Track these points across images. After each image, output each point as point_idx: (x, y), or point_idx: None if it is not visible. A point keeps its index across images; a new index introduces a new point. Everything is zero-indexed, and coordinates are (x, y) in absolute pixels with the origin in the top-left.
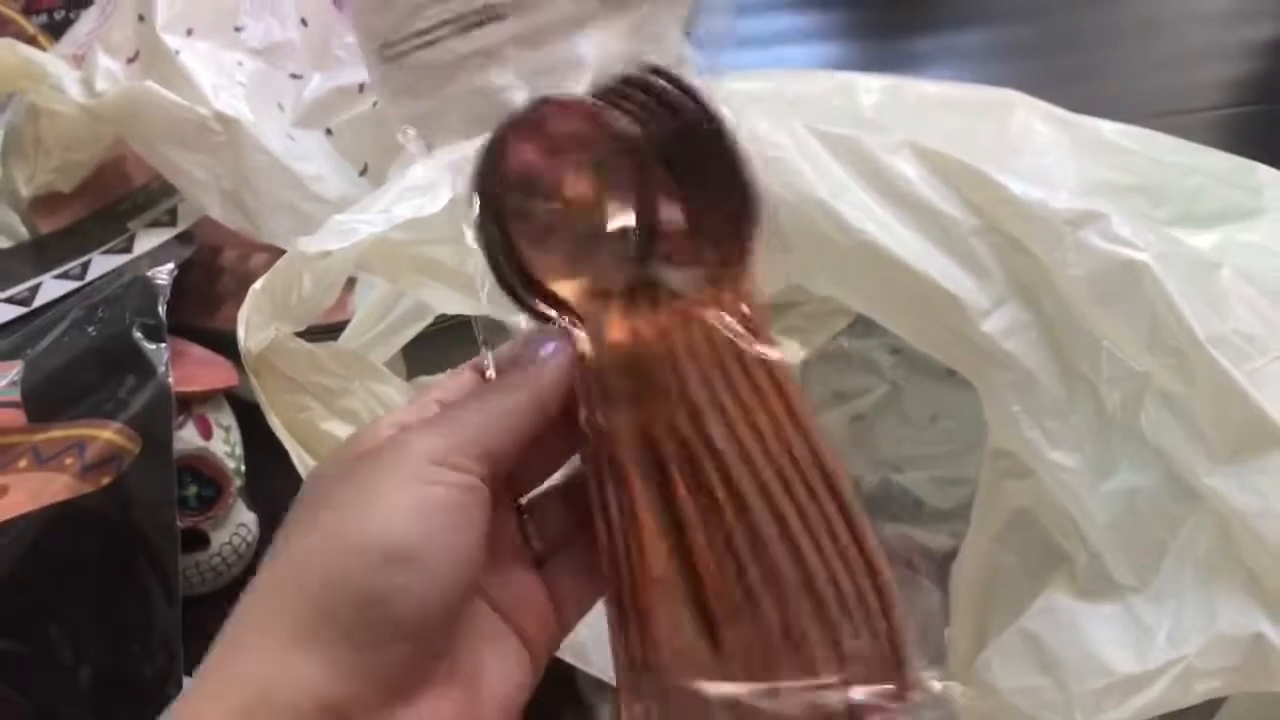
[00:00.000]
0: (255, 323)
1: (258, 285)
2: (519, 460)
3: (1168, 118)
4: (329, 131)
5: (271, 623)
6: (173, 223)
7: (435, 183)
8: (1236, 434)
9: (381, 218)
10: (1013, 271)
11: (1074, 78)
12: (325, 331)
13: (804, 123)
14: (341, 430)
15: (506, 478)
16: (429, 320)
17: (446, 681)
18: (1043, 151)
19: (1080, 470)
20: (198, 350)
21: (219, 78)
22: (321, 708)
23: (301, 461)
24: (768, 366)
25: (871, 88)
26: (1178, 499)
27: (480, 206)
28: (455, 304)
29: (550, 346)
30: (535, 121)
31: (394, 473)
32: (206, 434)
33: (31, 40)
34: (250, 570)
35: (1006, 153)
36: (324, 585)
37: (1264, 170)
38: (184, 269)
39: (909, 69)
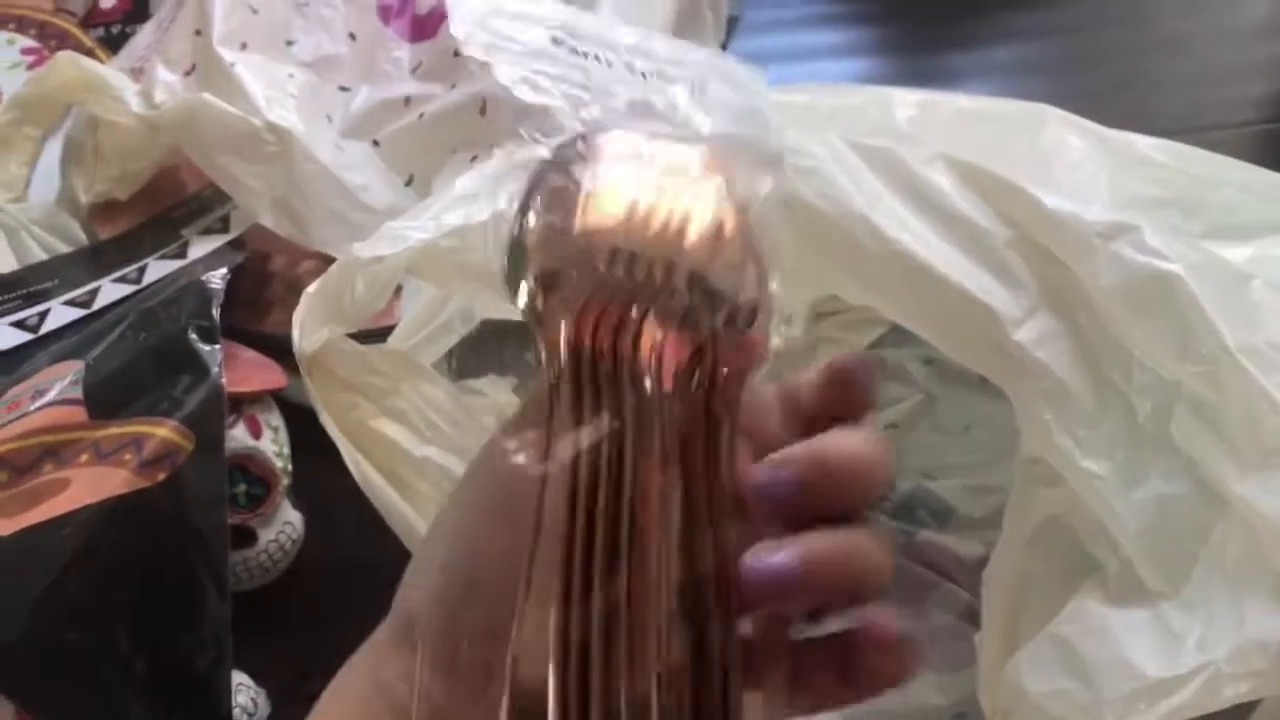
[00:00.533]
0: (309, 324)
1: (312, 288)
2: None
3: (1199, 134)
4: (376, 143)
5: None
6: (225, 229)
7: (481, 192)
8: (1266, 443)
9: (431, 225)
10: (1045, 282)
11: (1106, 93)
12: (373, 335)
13: (840, 135)
14: (390, 429)
15: None
16: (475, 324)
17: None
18: (1075, 165)
19: (1111, 478)
20: (248, 353)
21: (271, 90)
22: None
23: (352, 459)
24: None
25: (906, 101)
26: (1208, 507)
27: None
28: (502, 308)
29: None
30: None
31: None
32: (256, 433)
33: (89, 53)
34: (294, 567)
35: (1039, 166)
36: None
37: None
38: (235, 274)
39: (944, 84)
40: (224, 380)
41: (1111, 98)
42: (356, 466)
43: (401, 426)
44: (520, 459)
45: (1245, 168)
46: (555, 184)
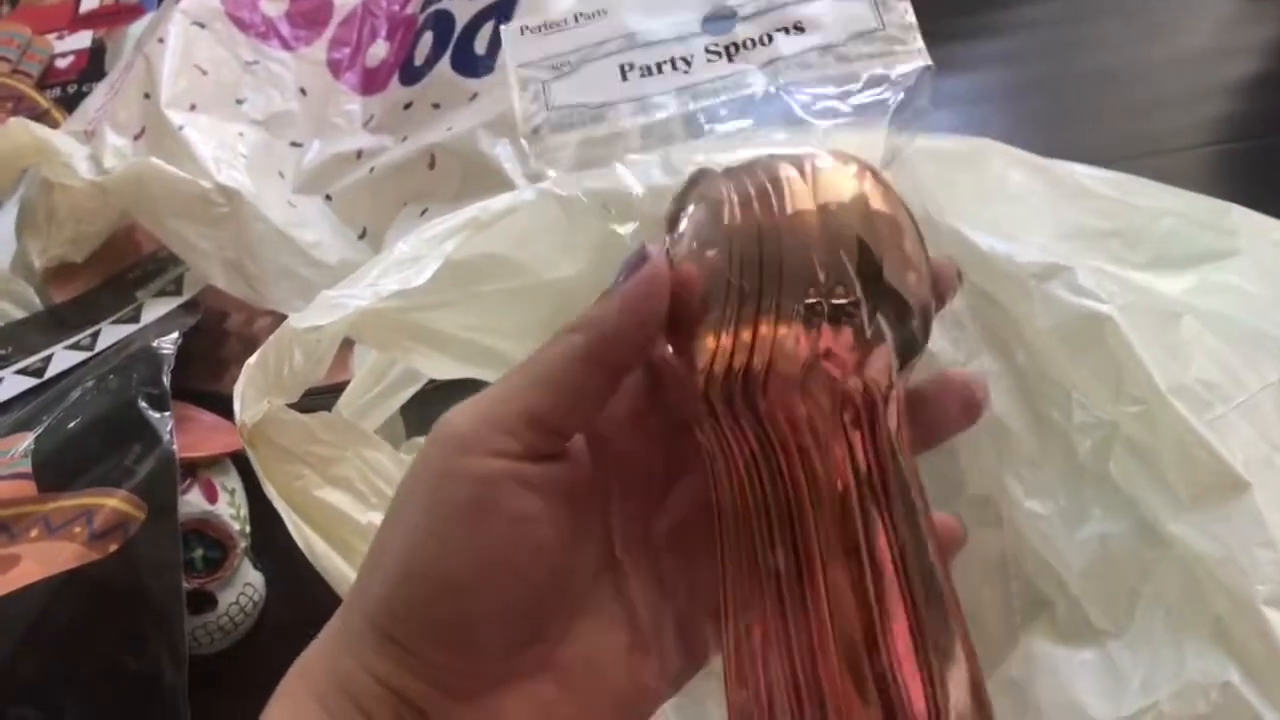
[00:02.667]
0: (250, 396)
1: (252, 360)
2: (602, 417)
3: (1146, 159)
4: (328, 197)
5: (349, 638)
6: (179, 291)
7: (421, 255)
8: (1198, 482)
9: (369, 291)
10: (986, 324)
11: (1058, 119)
12: (327, 392)
13: None
14: (335, 497)
15: (606, 443)
16: (423, 383)
17: (537, 676)
18: (1017, 199)
19: (1054, 518)
20: (205, 415)
21: (221, 150)
22: (399, 700)
23: (297, 529)
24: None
25: (850, 142)
26: (1149, 545)
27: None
28: (445, 369)
29: (630, 271)
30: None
31: (423, 480)
32: (212, 498)
33: (45, 114)
34: (257, 628)
35: (982, 202)
36: (387, 615)
37: (1237, 211)
38: (190, 334)
39: None
40: (176, 446)
41: (1058, 125)
42: (301, 536)
43: (346, 494)
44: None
45: (1186, 196)
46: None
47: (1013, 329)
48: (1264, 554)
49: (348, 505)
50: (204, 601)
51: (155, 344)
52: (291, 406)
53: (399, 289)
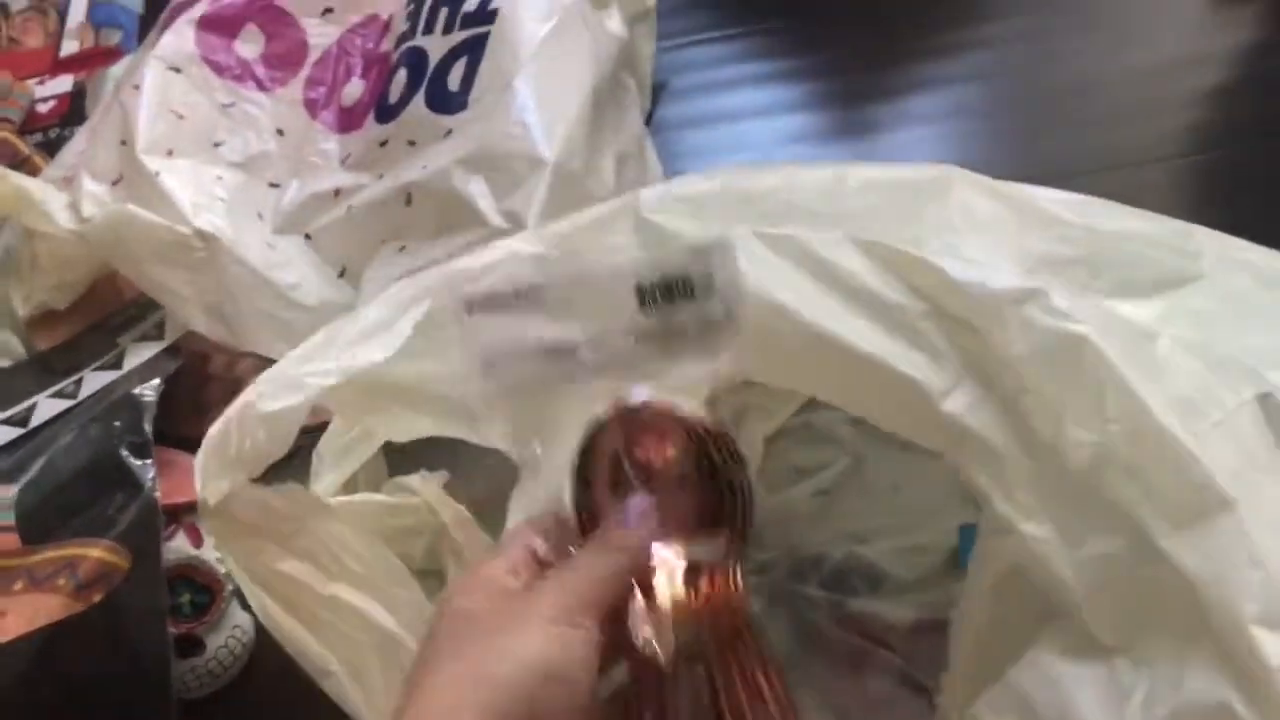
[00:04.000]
0: (211, 470)
1: (214, 430)
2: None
3: (1113, 171)
4: (308, 236)
5: None
6: (160, 336)
7: (392, 320)
8: (1186, 499)
9: (334, 367)
10: (964, 351)
11: (1022, 135)
12: (306, 432)
13: (750, 226)
14: (296, 569)
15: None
16: None
17: None
18: (983, 229)
19: (1053, 540)
20: (187, 460)
21: (198, 195)
22: None
23: (259, 604)
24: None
25: (815, 180)
26: (1150, 563)
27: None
28: (419, 428)
29: (636, 512)
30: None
31: (529, 619)
32: (197, 542)
33: (26, 161)
34: (247, 670)
35: (949, 232)
36: (480, 707)
37: (1200, 232)
38: (173, 377)
39: (865, 136)
40: (159, 493)
41: (1028, 140)
42: (264, 612)
43: (308, 565)
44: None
45: (1149, 218)
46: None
47: (992, 354)
48: (1252, 573)
49: (310, 577)
50: (192, 646)
51: (137, 391)
52: None
53: (366, 366)
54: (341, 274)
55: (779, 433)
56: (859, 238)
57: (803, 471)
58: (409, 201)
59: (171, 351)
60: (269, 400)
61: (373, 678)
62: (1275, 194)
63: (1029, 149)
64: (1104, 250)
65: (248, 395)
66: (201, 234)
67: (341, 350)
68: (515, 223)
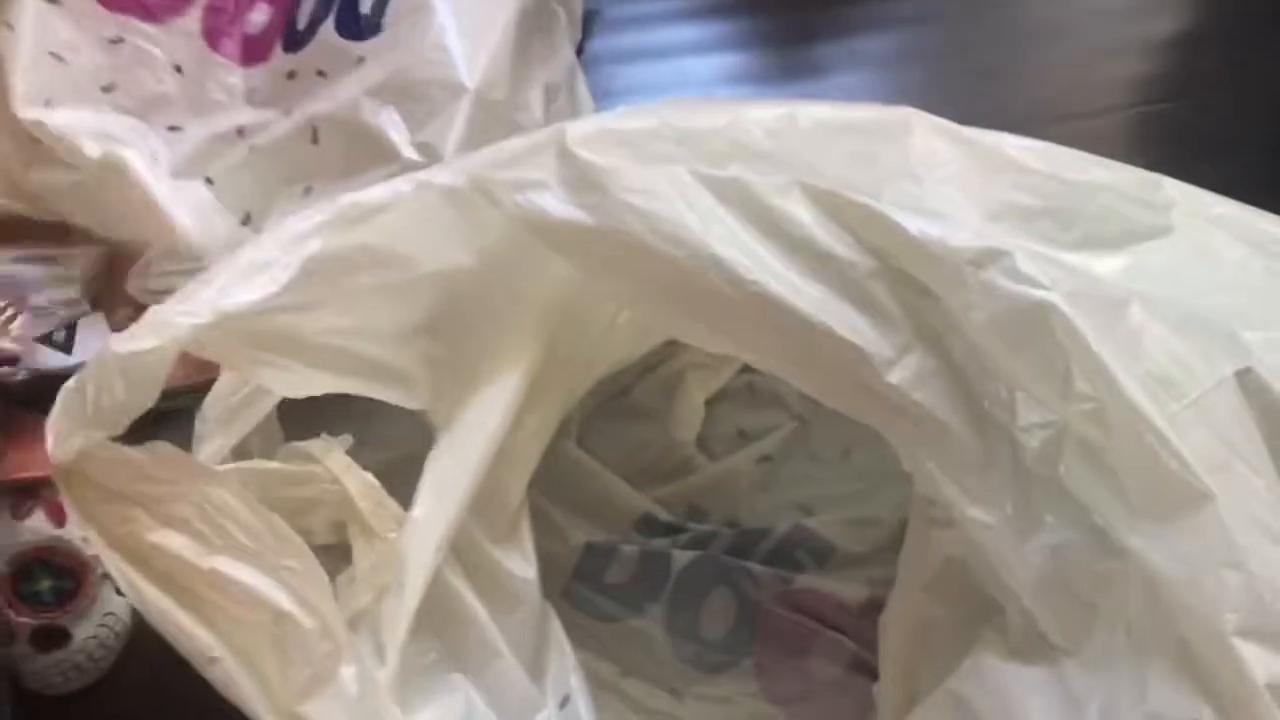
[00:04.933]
0: (65, 429)
1: (70, 384)
2: None
3: (1073, 120)
4: (209, 180)
5: None
6: None
7: (273, 260)
8: (1157, 491)
9: (207, 307)
10: (917, 316)
11: (978, 80)
12: (190, 392)
13: (688, 167)
14: (171, 540)
15: None
16: None
17: None
18: (945, 178)
19: (1001, 527)
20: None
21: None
22: None
23: (128, 580)
24: None
25: (764, 118)
26: (1106, 556)
27: None
28: (307, 383)
29: None
30: None
31: None
32: (60, 521)
33: None
34: (125, 661)
35: (908, 180)
36: None
37: (1169, 184)
38: None
39: (813, 77)
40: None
41: (984, 85)
42: (134, 588)
43: (184, 536)
44: None
45: (1116, 168)
46: None
47: (947, 320)
48: (1231, 576)
49: (187, 549)
50: (55, 638)
51: None
52: (150, 413)
53: (245, 304)
54: (245, 221)
55: (721, 394)
56: (809, 184)
57: (746, 435)
58: (315, 138)
59: None
60: (128, 342)
61: (265, 663)
62: (1240, 147)
63: (986, 93)
64: (1072, 201)
65: (108, 342)
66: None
67: (220, 290)
68: (431, 156)
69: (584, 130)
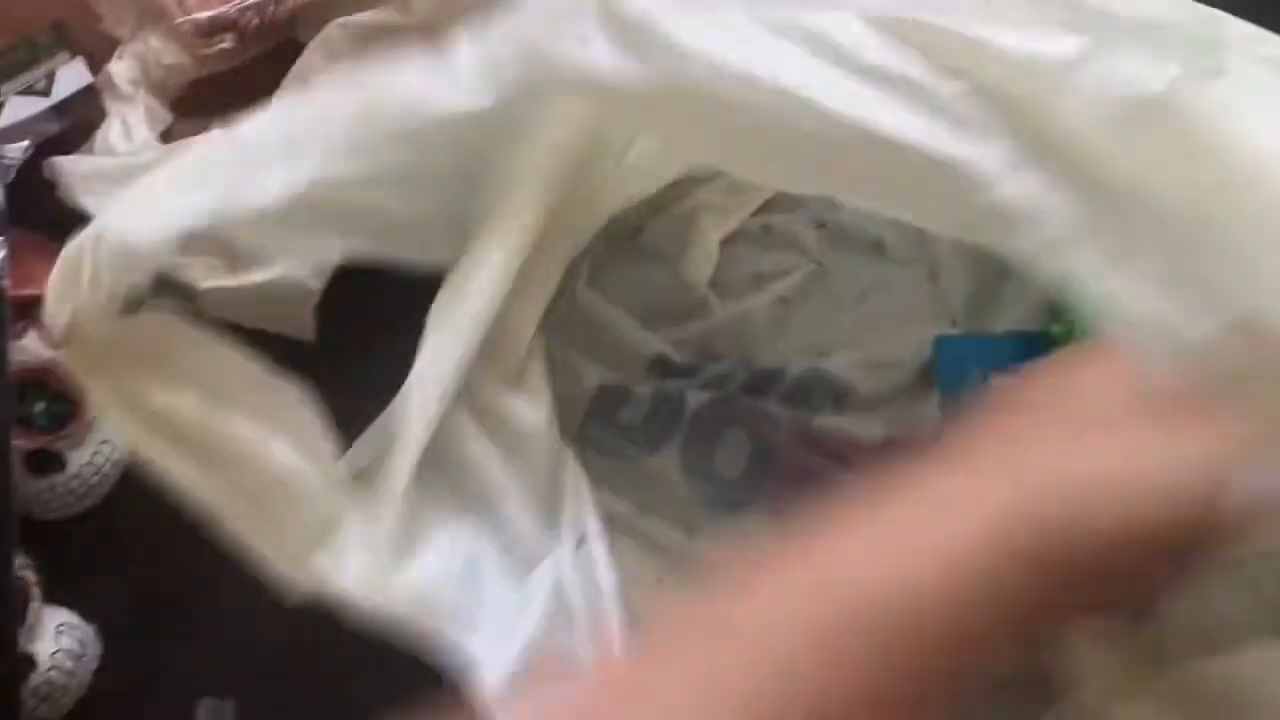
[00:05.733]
0: (65, 290)
1: (70, 246)
2: None
3: None
4: None
5: None
6: (48, 91)
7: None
8: None
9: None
10: (1015, 130)
11: None
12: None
13: (748, 13)
14: (177, 399)
15: None
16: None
17: None
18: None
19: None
20: (56, 245)
21: None
22: None
23: (135, 439)
24: None
25: None
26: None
27: None
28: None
29: None
30: None
31: None
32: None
33: None
34: (120, 488)
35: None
36: None
37: (1234, 24)
38: (52, 146)
39: None
40: (7, 281)
41: None
42: (140, 448)
43: (189, 394)
44: None
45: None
46: None
47: (1050, 128)
48: None
49: (193, 408)
50: (49, 462)
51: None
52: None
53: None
54: None
55: (736, 235)
56: (874, 15)
57: (761, 278)
58: None
59: (60, 110)
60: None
61: (273, 518)
62: None
63: None
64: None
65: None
66: None
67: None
68: None
69: None
